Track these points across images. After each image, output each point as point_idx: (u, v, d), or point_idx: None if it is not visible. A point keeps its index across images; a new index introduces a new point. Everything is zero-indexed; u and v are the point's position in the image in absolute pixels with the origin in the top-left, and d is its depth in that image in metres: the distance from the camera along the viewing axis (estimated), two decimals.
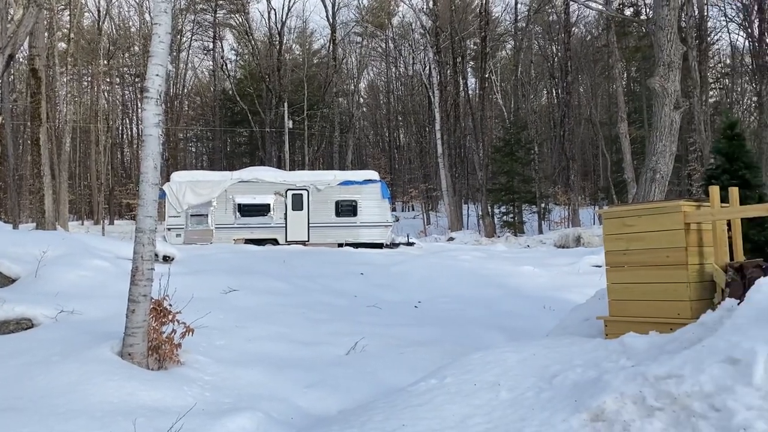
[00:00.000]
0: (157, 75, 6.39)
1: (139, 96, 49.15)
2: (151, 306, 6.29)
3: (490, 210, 35.58)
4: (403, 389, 4.79)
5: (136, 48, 47.02)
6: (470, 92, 44.64)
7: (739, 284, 4.76)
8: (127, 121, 54.72)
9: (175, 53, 47.37)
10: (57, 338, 6.94)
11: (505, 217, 35.75)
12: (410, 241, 23.44)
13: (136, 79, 47.94)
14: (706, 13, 34.55)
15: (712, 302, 4.99)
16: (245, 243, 20.20)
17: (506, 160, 35.21)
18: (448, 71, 40.22)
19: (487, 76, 38.29)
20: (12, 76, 37.60)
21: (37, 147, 17.92)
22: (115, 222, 41.84)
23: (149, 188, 6.29)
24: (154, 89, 6.37)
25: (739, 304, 4.01)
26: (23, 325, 7.72)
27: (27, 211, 36.08)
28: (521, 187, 35.31)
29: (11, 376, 5.64)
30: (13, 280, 9.43)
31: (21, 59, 33.40)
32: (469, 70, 47.73)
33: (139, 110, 50.69)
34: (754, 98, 39.70)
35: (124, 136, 55.25)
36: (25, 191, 34.83)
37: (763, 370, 3.14)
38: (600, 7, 23.80)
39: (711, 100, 39.21)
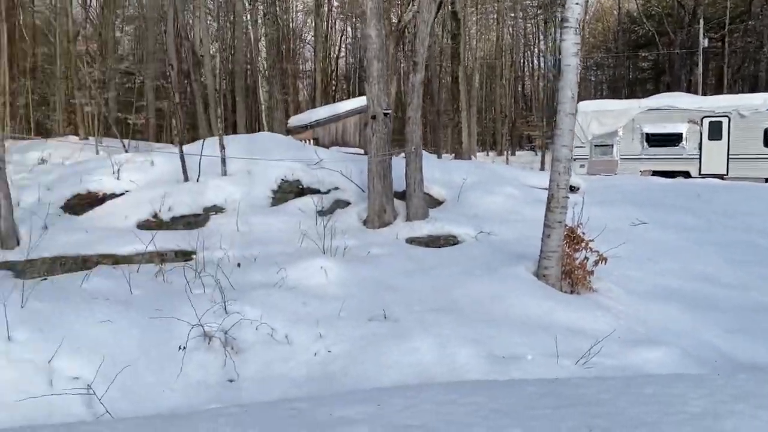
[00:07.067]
0: (577, 3, 6.33)
1: (541, 29, 49.79)
2: (565, 233, 6.49)
3: None
4: None
5: None
6: None
7: None
8: (528, 54, 55.99)
9: None
10: (477, 254, 7.80)
11: None
12: None
13: (538, 11, 48.43)
14: None
15: None
16: (652, 175, 19.14)
17: None
18: None
19: None
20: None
21: (456, 84, 19.90)
22: (516, 153, 43.92)
23: (566, 118, 6.39)
24: (573, 18, 6.35)
25: None
26: (450, 240, 8.94)
27: (441, 143, 40.37)
28: None
29: (446, 283, 6.55)
30: (441, 203, 10.89)
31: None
32: None
33: (541, 43, 51.70)
34: None
35: (525, 69, 56.80)
36: (441, 126, 38.91)
37: None
38: None
39: None
